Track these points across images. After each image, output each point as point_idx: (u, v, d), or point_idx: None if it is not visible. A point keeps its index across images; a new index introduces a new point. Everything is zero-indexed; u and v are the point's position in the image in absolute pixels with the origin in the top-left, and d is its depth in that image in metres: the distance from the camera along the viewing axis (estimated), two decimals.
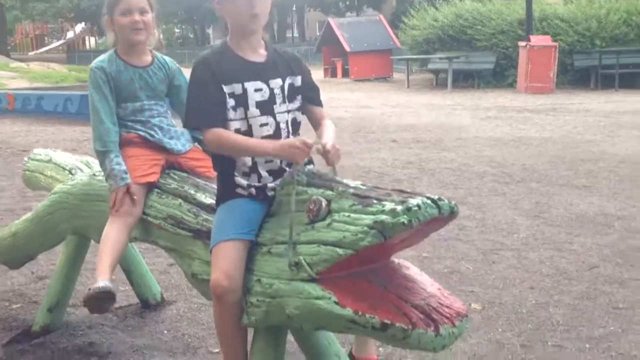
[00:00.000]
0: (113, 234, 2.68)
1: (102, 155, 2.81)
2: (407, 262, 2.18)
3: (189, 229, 2.51)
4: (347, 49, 21.79)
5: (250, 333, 2.36)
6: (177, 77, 3.04)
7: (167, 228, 2.60)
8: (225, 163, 2.37)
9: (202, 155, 2.94)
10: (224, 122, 2.30)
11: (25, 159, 3.82)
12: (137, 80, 2.91)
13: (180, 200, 2.63)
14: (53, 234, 3.27)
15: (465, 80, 19.64)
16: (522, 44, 17.17)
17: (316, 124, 2.47)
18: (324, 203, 2.04)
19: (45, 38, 59.27)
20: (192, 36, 53.23)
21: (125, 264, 3.53)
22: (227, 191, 2.36)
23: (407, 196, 1.94)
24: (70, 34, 55.41)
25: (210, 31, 51.22)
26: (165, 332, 3.36)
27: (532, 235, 5.00)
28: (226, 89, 2.30)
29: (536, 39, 16.91)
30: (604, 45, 17.63)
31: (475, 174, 7.27)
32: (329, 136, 2.29)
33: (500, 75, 18.95)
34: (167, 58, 3.05)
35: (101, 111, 2.81)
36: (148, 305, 3.61)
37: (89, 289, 2.53)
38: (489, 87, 18.63)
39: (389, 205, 1.89)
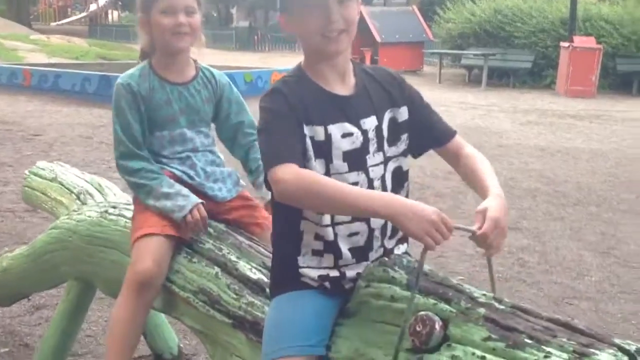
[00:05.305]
0: (126, 315, 2.00)
1: (142, 194, 2.14)
2: None
3: (228, 313, 1.83)
4: (378, 39, 20.89)
5: None
6: (226, 95, 2.32)
7: (197, 306, 1.92)
8: (286, 241, 1.65)
9: (251, 201, 2.27)
10: (304, 162, 1.56)
11: (27, 172, 3.19)
12: (175, 100, 2.21)
13: (217, 269, 1.93)
14: (52, 275, 2.64)
15: (500, 78, 18.77)
16: (564, 44, 16.28)
17: (455, 162, 1.74)
18: (437, 324, 1.36)
19: (68, 9, 58.84)
20: (215, 15, 52.06)
21: None
22: (287, 277, 1.63)
23: (586, 342, 1.24)
24: (93, 7, 54.86)
25: (234, 11, 50.27)
26: None
27: (606, 280, 4.33)
28: (305, 130, 1.58)
29: (580, 40, 16.02)
30: None
31: (526, 192, 6.61)
32: (491, 206, 1.49)
33: (538, 75, 18.07)
34: (214, 70, 2.33)
35: (127, 142, 2.13)
36: None
37: None
38: (525, 87, 17.77)
39: (557, 357, 1.20)
